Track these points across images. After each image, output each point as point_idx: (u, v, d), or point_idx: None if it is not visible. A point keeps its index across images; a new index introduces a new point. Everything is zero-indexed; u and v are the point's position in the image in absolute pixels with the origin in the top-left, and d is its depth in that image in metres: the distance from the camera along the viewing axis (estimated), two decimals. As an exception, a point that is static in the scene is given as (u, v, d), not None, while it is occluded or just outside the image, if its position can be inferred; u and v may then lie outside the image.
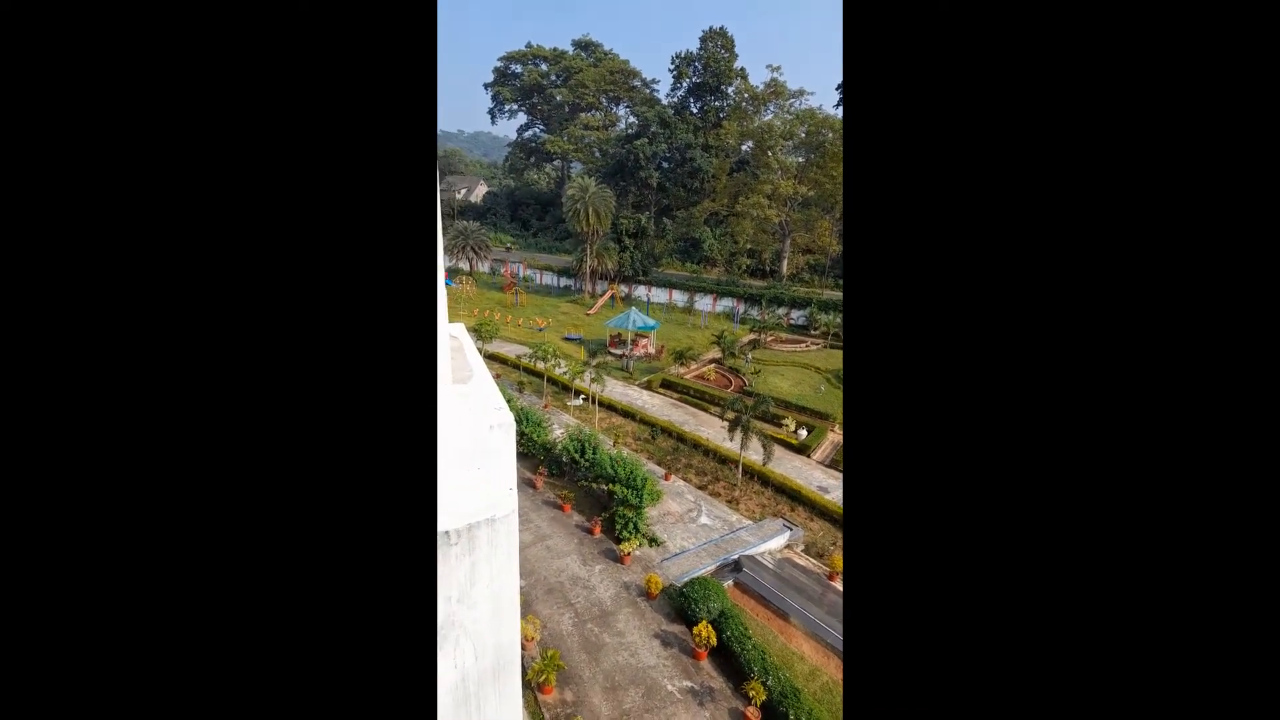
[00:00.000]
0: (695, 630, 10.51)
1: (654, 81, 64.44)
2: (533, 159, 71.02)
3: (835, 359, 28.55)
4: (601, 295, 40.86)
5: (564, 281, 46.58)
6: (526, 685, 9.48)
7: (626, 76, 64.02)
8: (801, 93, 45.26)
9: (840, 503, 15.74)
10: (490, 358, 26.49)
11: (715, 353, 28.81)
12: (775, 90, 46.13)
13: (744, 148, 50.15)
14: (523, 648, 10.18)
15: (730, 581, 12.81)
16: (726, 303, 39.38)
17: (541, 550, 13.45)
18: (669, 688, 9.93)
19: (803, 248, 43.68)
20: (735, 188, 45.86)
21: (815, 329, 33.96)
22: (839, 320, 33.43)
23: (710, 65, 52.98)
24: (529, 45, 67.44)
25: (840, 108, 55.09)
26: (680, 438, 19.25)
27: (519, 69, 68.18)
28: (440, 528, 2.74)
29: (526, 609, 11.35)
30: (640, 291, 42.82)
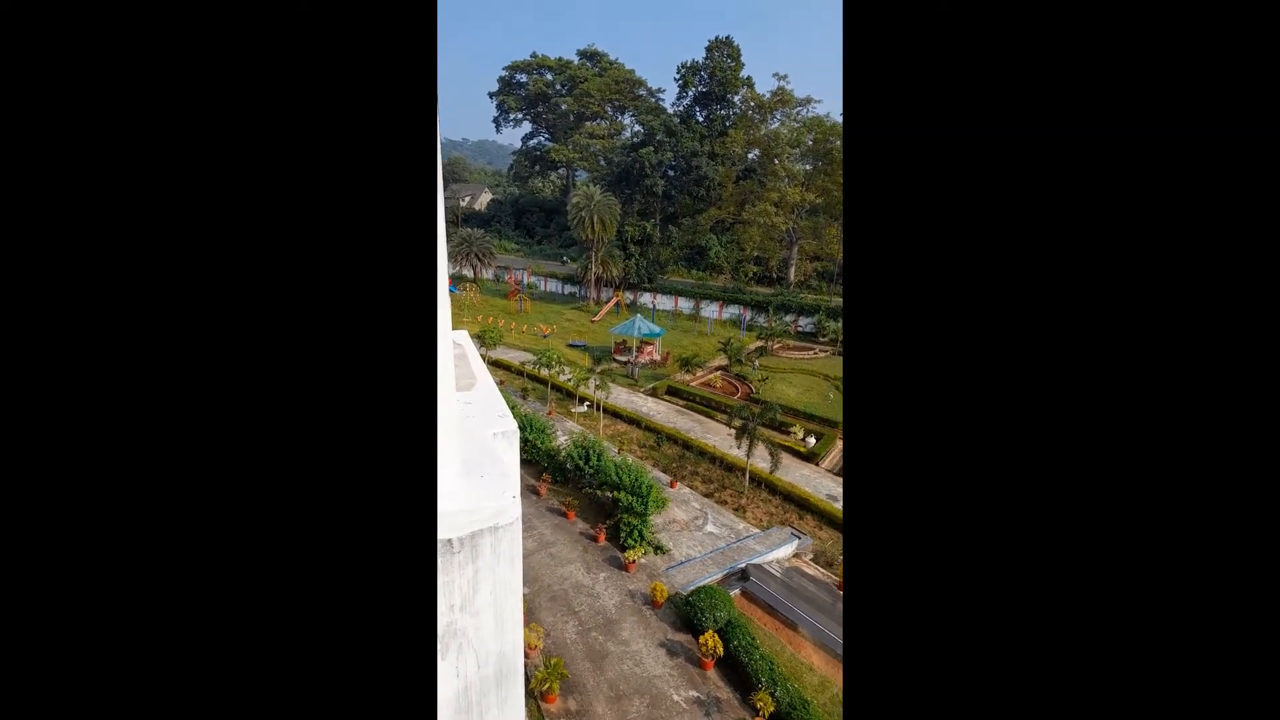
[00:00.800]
0: (701, 639, 10.38)
1: (660, 91, 64.83)
2: (537, 167, 71.51)
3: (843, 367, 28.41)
4: (606, 302, 40.91)
5: (568, 288, 46.71)
6: (529, 694, 9.39)
7: (632, 86, 64.46)
8: (809, 100, 45.36)
9: (848, 511, 15.58)
10: (494, 364, 26.53)
11: (722, 360, 28.74)
12: (782, 98, 46.27)
13: (750, 156, 50.27)
14: (525, 656, 10.09)
15: (737, 590, 12.68)
16: (733, 310, 39.33)
17: (545, 557, 13.37)
18: (675, 697, 9.80)
19: (810, 255, 43.60)
20: (741, 195, 45.93)
21: (823, 336, 33.82)
22: (845, 327, 33.28)
23: (716, 74, 53.26)
24: (534, 55, 68.14)
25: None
26: (686, 445, 19.16)
27: (524, 78, 68.84)
28: (443, 536, 2.71)
29: (529, 617, 11.26)
30: (645, 298, 42.86)
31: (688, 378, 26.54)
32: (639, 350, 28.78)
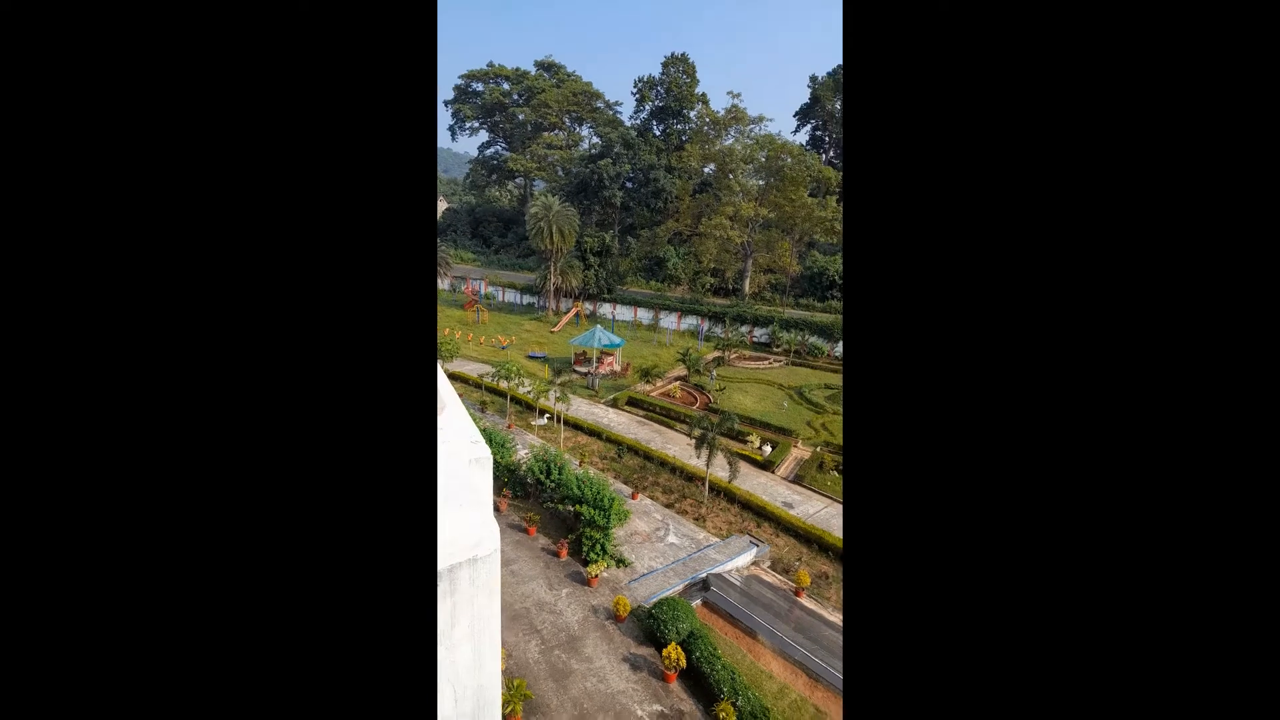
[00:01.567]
0: (665, 652, 10.45)
1: (617, 104, 65.73)
2: (494, 176, 70.66)
3: (797, 376, 29.28)
4: (566, 313, 40.73)
5: (527, 299, 46.23)
6: (493, 718, 9.17)
7: (589, 98, 64.80)
8: (761, 119, 46.90)
9: (803, 518, 16.04)
10: (452, 377, 25.91)
11: (681, 370, 29.09)
12: (736, 115, 47.62)
13: (706, 170, 51.38)
14: (488, 679, 9.85)
15: (699, 601, 12.83)
16: (691, 320, 39.91)
17: (506, 575, 13.14)
18: (638, 713, 9.81)
19: (764, 267, 44.84)
20: (698, 208, 46.85)
21: (777, 346, 34.76)
22: (800, 338, 34.36)
23: (672, 90, 54.30)
24: (490, 64, 67.57)
25: (797, 134, 57.18)
26: (647, 456, 19.27)
27: (480, 87, 68.10)
28: None
29: (492, 638, 11.01)
30: (605, 309, 42.90)
31: (648, 388, 26.71)
32: (599, 361, 28.78)
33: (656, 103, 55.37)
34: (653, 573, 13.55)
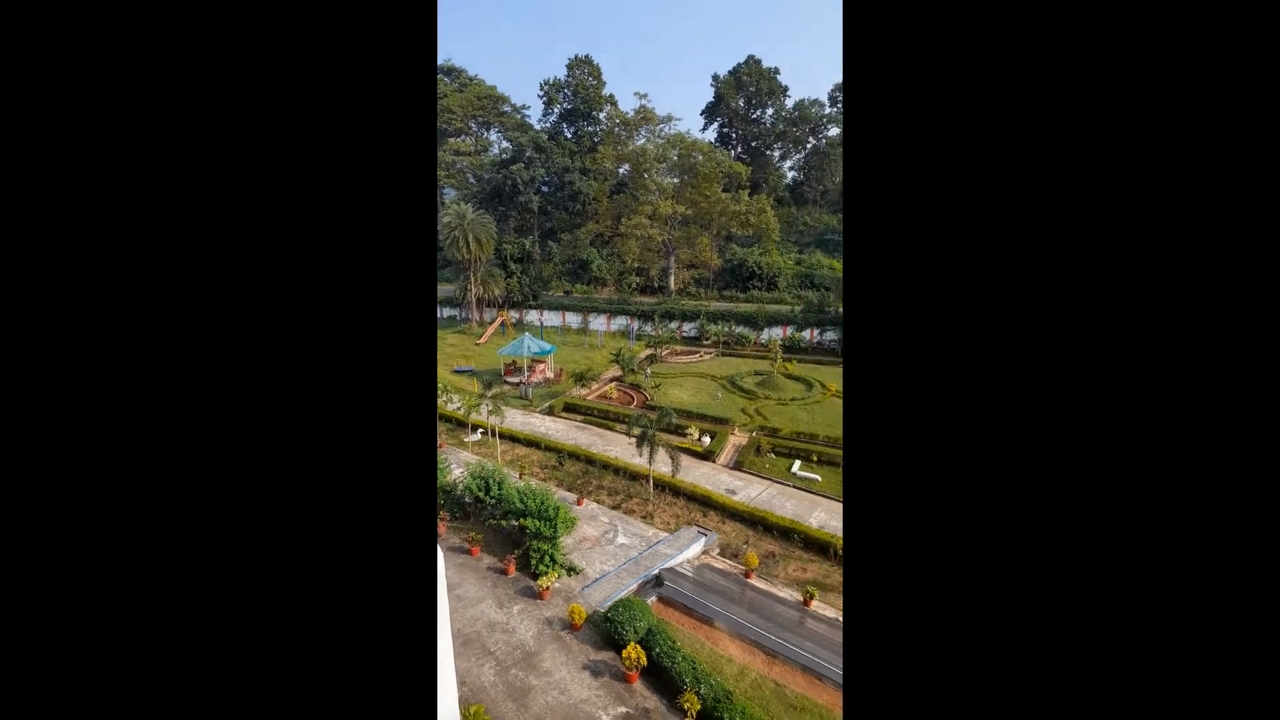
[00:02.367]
0: (624, 653, 10.35)
1: (524, 107, 64.40)
2: (403, 187, 67.38)
3: (728, 365, 30.09)
4: (491, 323, 39.58)
5: (448, 311, 44.49)
6: (451, 753, 8.69)
7: (495, 102, 63.34)
8: (670, 118, 47.82)
9: (746, 502, 16.49)
10: (374, 400, 24.36)
11: (615, 371, 29.07)
12: (645, 116, 48.25)
13: (621, 170, 51.73)
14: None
15: (654, 597, 12.83)
16: (621, 321, 40.01)
17: (453, 600, 12.51)
18: (604, 718, 9.66)
19: (687, 263, 45.75)
20: (617, 209, 47.05)
21: (707, 339, 35.57)
22: (727, 329, 35.35)
23: (580, 91, 54.20)
24: (388, 69, 64.39)
25: (705, 132, 58.78)
26: (589, 460, 19.07)
27: (379, 94, 64.71)
28: None
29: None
30: (532, 316, 42.10)
31: (584, 392, 26.47)
32: (531, 369, 28.17)
33: (565, 105, 55.06)
34: (605, 576, 13.41)
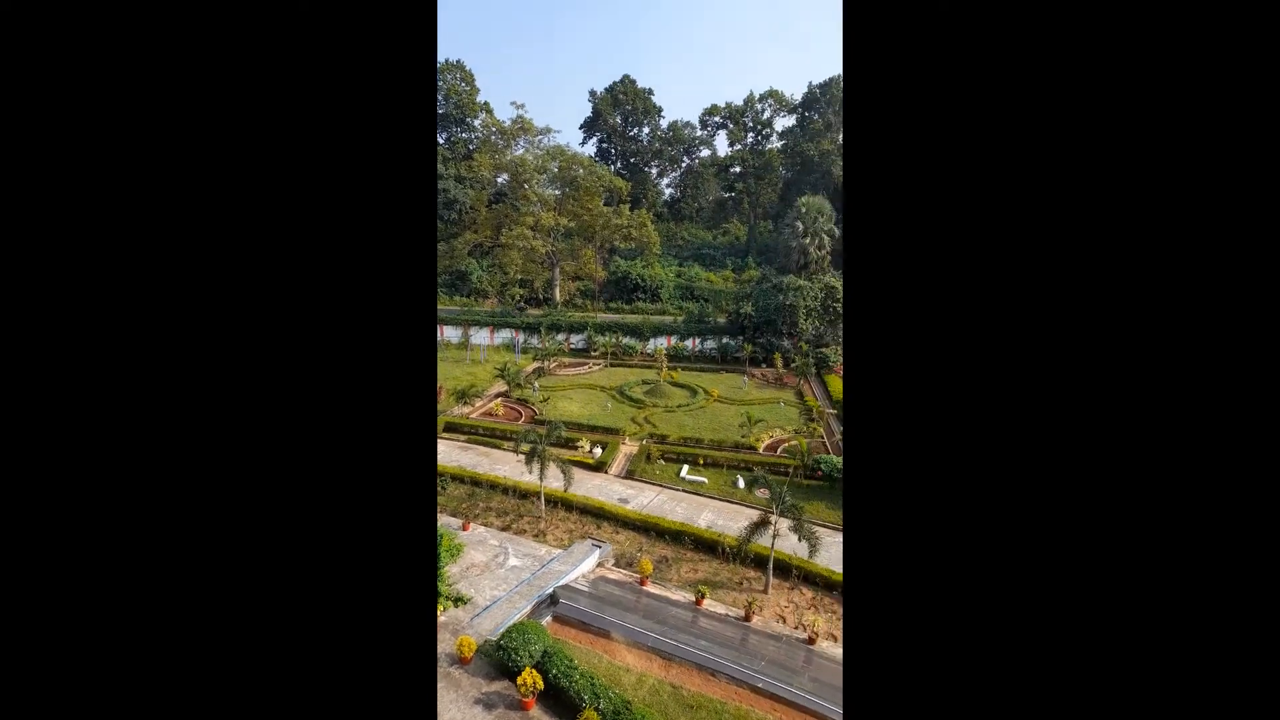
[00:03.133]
0: (520, 680, 9.93)
1: (393, 109, 60.44)
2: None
3: (616, 376, 30.44)
4: (360, 341, 36.25)
5: (309, 329, 40.04)
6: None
7: (359, 102, 58.72)
8: (548, 129, 47.65)
9: (639, 510, 16.73)
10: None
11: (500, 386, 28.05)
12: (523, 126, 47.63)
13: (500, 180, 50.46)
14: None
15: (549, 617, 12.48)
16: (505, 334, 38.80)
17: (321, 653, 11.12)
18: (500, 755, 9.15)
19: (572, 275, 45.71)
20: (497, 219, 45.74)
21: (595, 350, 35.72)
22: (614, 340, 35.81)
23: (452, 96, 52.15)
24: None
25: (585, 146, 59.48)
26: (475, 481, 18.15)
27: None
28: None
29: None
30: (407, 332, 39.24)
31: (467, 410, 25.20)
32: (407, 389, 26.19)
33: (436, 110, 52.55)
34: (496, 603, 12.79)
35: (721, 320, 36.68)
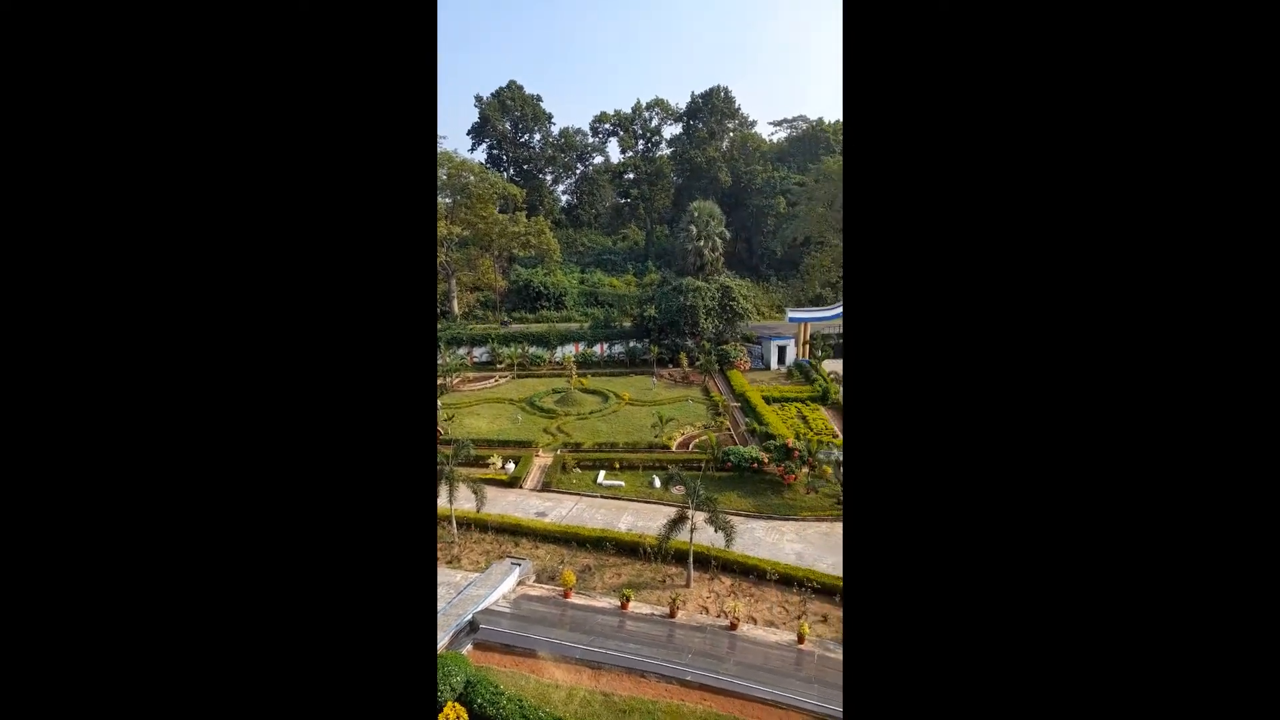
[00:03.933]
0: (440, 717, 9.35)
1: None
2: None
3: (525, 387, 29.70)
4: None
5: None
6: None
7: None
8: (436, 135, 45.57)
9: (558, 521, 16.44)
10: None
11: (399, 408, 26.29)
12: (406, 132, 45.16)
13: (384, 189, 47.35)
14: None
15: (469, 645, 11.89)
16: (400, 352, 36.42)
17: None
18: (426, 802, 8.56)
19: (470, 286, 43.95)
20: (383, 231, 42.88)
21: (500, 363, 34.60)
22: (520, 351, 34.92)
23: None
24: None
25: (474, 153, 57.58)
26: (377, 513, 16.83)
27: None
28: None
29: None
30: (286, 357, 35.58)
31: (363, 437, 23.33)
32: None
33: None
34: (410, 639, 11.95)
35: (627, 324, 37.12)
